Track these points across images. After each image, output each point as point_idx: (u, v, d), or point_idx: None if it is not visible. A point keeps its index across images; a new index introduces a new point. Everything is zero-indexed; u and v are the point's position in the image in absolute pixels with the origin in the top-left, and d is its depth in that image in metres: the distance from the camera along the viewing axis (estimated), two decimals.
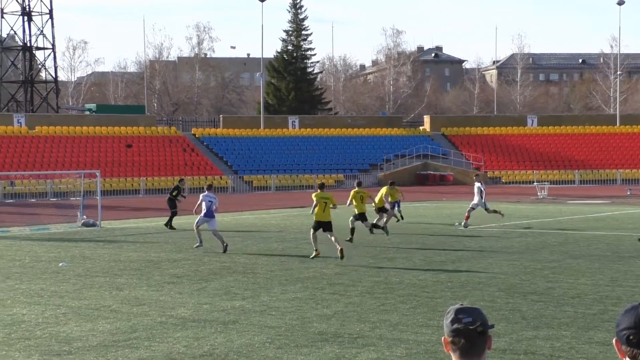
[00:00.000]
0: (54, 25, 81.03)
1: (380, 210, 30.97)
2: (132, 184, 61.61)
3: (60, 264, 21.94)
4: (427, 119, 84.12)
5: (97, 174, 36.81)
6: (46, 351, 12.28)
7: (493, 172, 73.28)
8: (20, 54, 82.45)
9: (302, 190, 65.29)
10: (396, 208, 33.84)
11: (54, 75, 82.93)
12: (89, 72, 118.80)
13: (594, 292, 16.86)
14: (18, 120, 68.33)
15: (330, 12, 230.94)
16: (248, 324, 13.93)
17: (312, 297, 16.59)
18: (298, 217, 39.05)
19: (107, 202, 43.03)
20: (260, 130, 76.44)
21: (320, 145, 74.79)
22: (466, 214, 31.90)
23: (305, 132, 76.72)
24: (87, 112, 79.18)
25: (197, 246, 25.45)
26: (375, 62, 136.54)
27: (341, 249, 22.41)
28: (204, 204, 25.72)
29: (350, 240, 26.43)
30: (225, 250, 24.47)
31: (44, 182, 57.50)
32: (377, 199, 31.29)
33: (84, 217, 34.93)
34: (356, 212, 27.73)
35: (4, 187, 56.77)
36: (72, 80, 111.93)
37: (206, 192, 26.31)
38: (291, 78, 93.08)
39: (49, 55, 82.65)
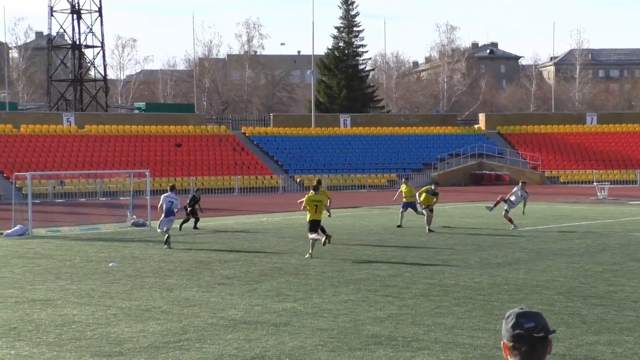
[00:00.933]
0: (103, 23, 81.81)
1: (427, 208, 30.75)
2: (182, 184, 61.69)
3: (111, 264, 21.96)
4: (482, 117, 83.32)
5: (147, 173, 36.86)
6: (97, 352, 12.26)
7: (551, 171, 72.30)
8: (70, 52, 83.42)
9: (354, 190, 65.09)
10: (403, 209, 32.84)
11: (103, 73, 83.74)
12: (138, 71, 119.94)
13: None
14: (67, 119, 69.01)
15: (383, 7, 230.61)
16: (300, 326, 13.75)
17: (365, 299, 16.33)
18: (350, 217, 38.81)
19: (156, 202, 43.01)
20: (311, 128, 76.27)
21: (373, 144, 74.42)
22: (507, 218, 31.31)
23: (357, 131, 76.41)
24: (136, 111, 79.81)
25: (167, 247, 26.03)
26: (428, 59, 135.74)
27: (325, 239, 23.15)
28: (164, 205, 26.83)
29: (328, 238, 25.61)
30: (167, 245, 25.81)
31: (94, 182, 57.96)
32: (422, 198, 31.11)
33: (134, 216, 35.01)
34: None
35: (54, 187, 57.33)
36: (121, 78, 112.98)
37: (168, 192, 27.57)
38: (342, 75, 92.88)
39: (98, 53, 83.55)
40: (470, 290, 17.25)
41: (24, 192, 46.19)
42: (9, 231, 31.23)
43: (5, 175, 58.04)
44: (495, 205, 32.56)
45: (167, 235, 26.34)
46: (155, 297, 16.92)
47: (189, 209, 33.11)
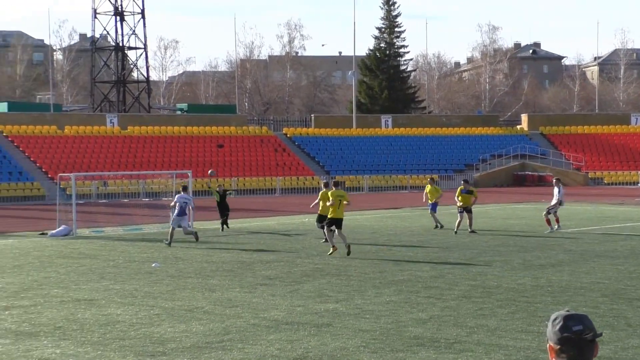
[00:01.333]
0: (146, 25, 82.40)
1: (466, 210, 30.32)
2: (224, 184, 61.86)
3: (153, 265, 22.09)
4: (524, 117, 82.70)
5: (189, 174, 37.01)
6: (140, 352, 12.33)
7: (594, 172, 71.44)
8: (113, 54, 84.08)
9: (396, 191, 64.92)
10: (431, 211, 32.56)
11: (145, 75, 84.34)
12: (180, 72, 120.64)
13: None
14: (111, 120, 69.70)
15: (424, 8, 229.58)
16: (342, 327, 13.72)
17: (407, 300, 16.26)
18: (392, 218, 38.71)
19: (198, 203, 43.27)
20: (353, 129, 76.21)
21: (414, 145, 74.20)
22: (555, 217, 30.86)
23: (399, 132, 76.21)
24: (179, 112, 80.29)
25: (167, 243, 27.03)
26: (470, 59, 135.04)
27: (349, 245, 23.40)
28: (178, 204, 27.64)
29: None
30: (197, 239, 27.31)
31: (136, 182, 58.41)
32: (460, 199, 30.51)
33: None
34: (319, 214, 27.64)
35: (98, 187, 57.86)
36: (164, 79, 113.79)
37: (181, 192, 28.39)
38: (384, 76, 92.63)
39: (141, 55, 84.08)
40: (513, 292, 17.11)
41: (68, 192, 46.59)
42: (54, 231, 31.59)
43: (49, 175, 58.70)
44: (549, 224, 30.82)
45: (183, 233, 27.21)
46: (198, 297, 16.99)
47: (218, 197, 33.39)
